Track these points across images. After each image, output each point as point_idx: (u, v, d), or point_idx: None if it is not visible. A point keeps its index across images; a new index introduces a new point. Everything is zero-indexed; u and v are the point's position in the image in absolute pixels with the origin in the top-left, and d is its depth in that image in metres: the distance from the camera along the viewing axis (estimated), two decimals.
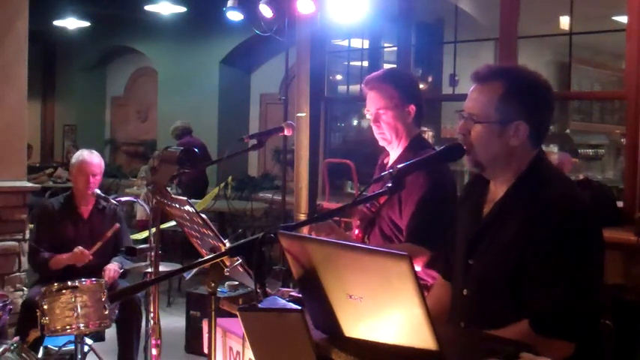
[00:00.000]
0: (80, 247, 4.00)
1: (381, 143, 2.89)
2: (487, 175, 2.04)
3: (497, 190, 2.01)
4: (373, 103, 2.81)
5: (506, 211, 1.93)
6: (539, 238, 1.81)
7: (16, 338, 3.19)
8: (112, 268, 4.00)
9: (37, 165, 11.43)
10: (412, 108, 2.79)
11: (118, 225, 4.12)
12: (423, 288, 1.41)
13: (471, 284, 1.99)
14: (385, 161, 2.96)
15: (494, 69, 1.97)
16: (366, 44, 5.97)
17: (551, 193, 1.87)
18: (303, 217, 5.39)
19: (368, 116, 2.86)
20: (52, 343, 3.91)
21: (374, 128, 2.85)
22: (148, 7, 9.16)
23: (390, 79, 2.83)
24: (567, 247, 1.81)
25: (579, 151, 8.03)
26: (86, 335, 3.62)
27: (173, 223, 5.08)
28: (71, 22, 10.68)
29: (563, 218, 1.82)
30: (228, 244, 2.17)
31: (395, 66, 3.02)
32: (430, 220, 2.58)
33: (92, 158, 4.18)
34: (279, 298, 1.83)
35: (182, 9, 9.24)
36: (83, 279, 3.54)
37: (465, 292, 2.00)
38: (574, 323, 1.80)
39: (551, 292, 1.79)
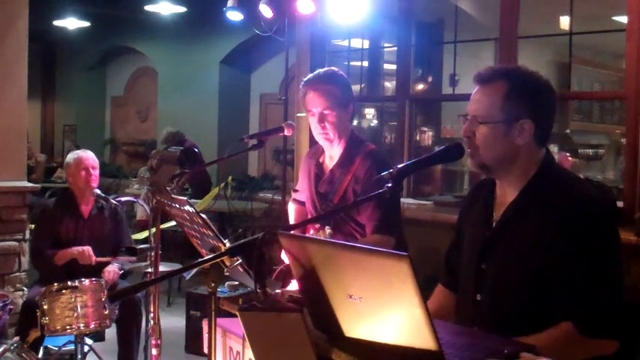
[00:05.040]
0: (89, 248, 4.02)
1: (322, 143, 2.97)
2: (492, 176, 2.03)
3: (507, 193, 1.99)
4: (318, 104, 2.87)
5: (521, 214, 1.92)
6: (567, 236, 1.81)
7: (16, 338, 3.19)
8: (112, 270, 4.00)
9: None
10: (351, 108, 2.93)
11: (134, 259, 4.14)
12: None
13: (486, 289, 1.97)
14: (321, 160, 3.03)
15: (496, 70, 1.98)
16: (366, 44, 5.97)
17: (570, 192, 1.87)
18: None
19: (311, 117, 2.92)
20: (52, 343, 3.91)
21: (317, 128, 2.91)
22: (148, 7, 9.17)
23: (333, 80, 2.91)
24: (601, 245, 1.82)
25: (579, 151, 8.01)
26: (86, 335, 3.62)
27: (173, 223, 5.08)
28: (71, 22, 10.68)
29: (588, 217, 1.82)
30: (228, 244, 2.18)
31: (334, 68, 3.09)
32: (390, 211, 2.78)
33: (87, 153, 4.23)
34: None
35: (182, 9, 9.24)
36: (83, 279, 3.54)
37: (478, 297, 1.98)
38: (619, 322, 1.81)
39: (594, 293, 1.79)
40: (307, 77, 2.96)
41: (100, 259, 4.04)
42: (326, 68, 3.06)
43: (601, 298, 1.79)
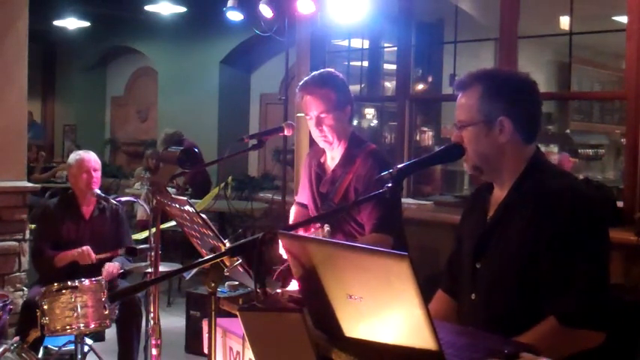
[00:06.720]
0: (88, 247, 4.02)
1: (322, 145, 2.98)
2: (488, 177, 2.06)
3: (500, 192, 2.02)
4: (314, 108, 2.88)
5: (512, 210, 1.95)
6: (551, 229, 1.83)
7: (16, 338, 3.19)
8: (112, 264, 4.00)
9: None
10: (348, 109, 2.92)
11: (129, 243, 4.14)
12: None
13: (479, 288, 1.99)
14: (322, 160, 3.04)
15: (472, 74, 2.03)
16: (366, 44, 5.97)
17: (556, 184, 1.90)
18: None
19: (309, 121, 2.92)
20: (52, 343, 3.91)
21: (315, 132, 2.93)
22: (148, 7, 9.16)
23: (329, 83, 2.91)
24: (581, 236, 1.82)
25: (579, 151, 8.02)
26: (86, 335, 3.62)
27: (173, 223, 5.08)
28: (71, 22, 10.68)
29: (572, 207, 1.84)
30: (228, 244, 2.17)
31: (329, 69, 3.09)
32: (389, 211, 2.78)
33: (89, 155, 4.22)
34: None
35: (182, 9, 9.24)
36: (83, 279, 3.54)
37: (473, 296, 2.01)
38: (600, 313, 1.81)
39: (572, 284, 1.80)
40: (303, 81, 2.96)
41: (100, 256, 4.04)
42: (321, 70, 3.05)
43: (580, 289, 1.80)
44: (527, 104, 2.00)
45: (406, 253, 1.39)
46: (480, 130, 1.96)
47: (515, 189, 1.97)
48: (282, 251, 2.27)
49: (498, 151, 1.96)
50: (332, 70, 3.05)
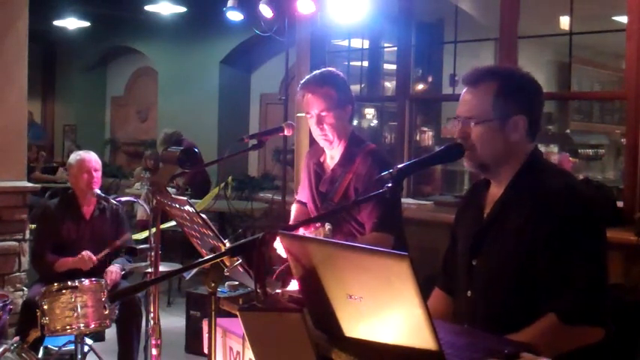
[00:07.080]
0: (88, 252, 4.01)
1: (322, 144, 2.98)
2: (490, 175, 2.05)
3: (498, 189, 2.02)
4: (315, 106, 2.89)
5: (508, 208, 1.95)
6: (549, 228, 1.83)
7: (16, 338, 3.19)
8: (114, 270, 4.00)
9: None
10: (349, 108, 2.93)
11: (128, 235, 4.16)
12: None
13: (476, 285, 1.99)
14: (322, 159, 3.05)
15: (484, 70, 2.02)
16: (366, 44, 5.97)
17: (554, 182, 1.90)
18: None
19: (309, 119, 2.93)
20: (52, 343, 3.91)
21: (315, 130, 2.93)
22: (148, 7, 9.17)
23: (330, 82, 2.92)
24: (579, 235, 1.83)
25: (579, 151, 8.02)
26: (86, 335, 3.62)
27: (173, 223, 5.08)
28: (71, 22, 10.69)
29: (570, 206, 1.84)
30: (228, 244, 2.17)
31: (330, 68, 3.10)
32: (389, 210, 2.79)
33: (90, 155, 4.22)
34: None
35: (182, 9, 9.25)
36: (83, 279, 3.54)
37: (469, 293, 2.01)
38: (601, 308, 1.81)
39: (571, 280, 1.80)
40: (304, 79, 2.97)
41: (99, 255, 4.04)
42: (322, 69, 3.05)
43: (579, 288, 1.80)
44: (538, 104, 2.02)
45: (406, 253, 1.39)
46: (494, 128, 1.95)
47: (511, 186, 1.97)
48: (281, 251, 2.27)
49: (508, 148, 1.97)
50: (333, 69, 3.06)
